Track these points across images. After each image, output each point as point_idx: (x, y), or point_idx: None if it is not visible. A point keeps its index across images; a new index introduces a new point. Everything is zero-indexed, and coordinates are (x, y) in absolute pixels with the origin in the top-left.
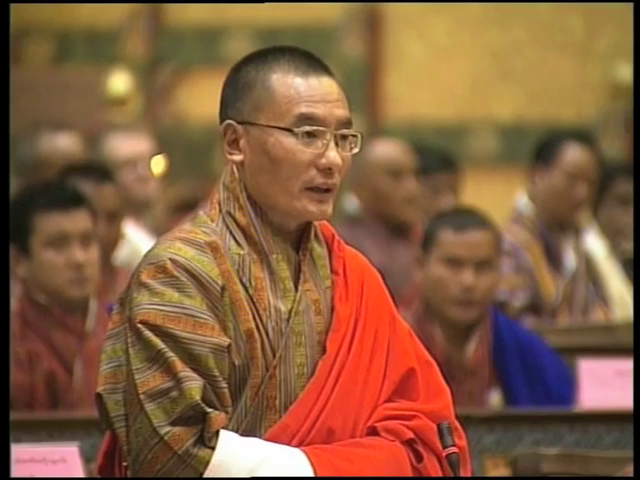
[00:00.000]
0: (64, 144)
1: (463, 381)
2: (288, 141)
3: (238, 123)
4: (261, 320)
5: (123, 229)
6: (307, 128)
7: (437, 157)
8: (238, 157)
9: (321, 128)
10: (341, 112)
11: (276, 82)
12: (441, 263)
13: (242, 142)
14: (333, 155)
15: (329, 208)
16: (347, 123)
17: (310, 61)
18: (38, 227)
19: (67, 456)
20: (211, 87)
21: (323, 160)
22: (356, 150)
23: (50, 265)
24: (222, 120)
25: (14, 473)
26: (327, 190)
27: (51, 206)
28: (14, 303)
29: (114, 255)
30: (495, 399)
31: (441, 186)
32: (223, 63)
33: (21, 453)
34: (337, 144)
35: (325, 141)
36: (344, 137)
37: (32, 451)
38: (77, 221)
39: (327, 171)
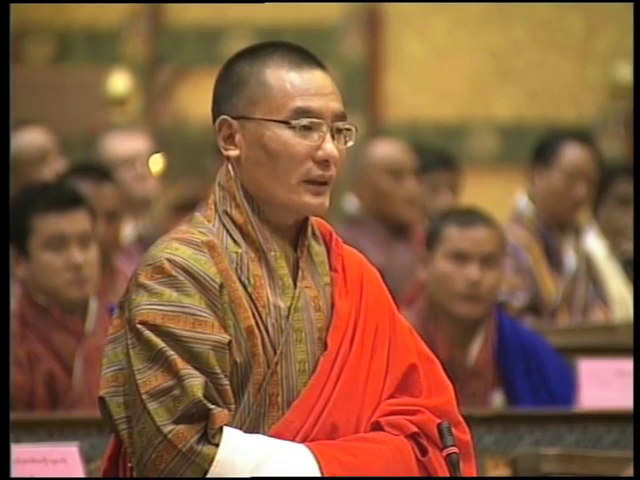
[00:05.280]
0: (32, 139)
1: (467, 382)
2: (285, 134)
3: (233, 118)
4: (261, 317)
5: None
6: (304, 121)
7: (436, 156)
8: (234, 152)
9: (318, 120)
10: (336, 105)
11: (271, 76)
12: (446, 259)
13: (237, 137)
14: (330, 147)
15: (326, 201)
16: (342, 116)
17: (303, 55)
18: (37, 228)
19: (67, 456)
20: (211, 87)
21: (320, 152)
22: (351, 143)
23: (49, 266)
24: (215, 116)
25: (14, 473)
26: (324, 183)
27: (49, 207)
28: (14, 304)
29: (114, 255)
30: (497, 401)
31: (440, 185)
32: (223, 63)
33: (21, 453)
34: (333, 137)
35: (321, 134)
36: (339, 130)
37: (32, 451)
38: (76, 222)
39: (324, 163)
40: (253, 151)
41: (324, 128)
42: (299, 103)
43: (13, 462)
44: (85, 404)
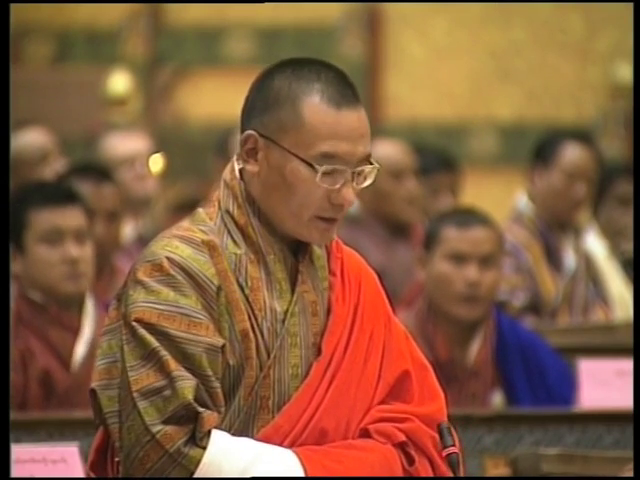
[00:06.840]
0: (33, 139)
1: (466, 382)
2: (307, 173)
3: (261, 136)
4: (256, 320)
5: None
6: (329, 168)
7: (436, 157)
8: (253, 167)
9: (342, 167)
10: (363, 149)
11: (307, 109)
12: (445, 260)
13: (260, 155)
14: (349, 194)
15: (333, 234)
16: (366, 158)
17: (344, 89)
18: (32, 223)
19: (67, 456)
20: (211, 87)
21: (339, 197)
22: (370, 181)
23: (44, 260)
24: (243, 124)
25: (14, 473)
26: (334, 219)
27: (45, 202)
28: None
29: (114, 255)
30: (497, 401)
31: (440, 186)
32: (223, 63)
33: (21, 453)
34: (353, 178)
35: (343, 180)
36: (360, 172)
37: (32, 451)
38: (71, 217)
39: (339, 207)
40: (272, 175)
41: (347, 175)
42: (327, 148)
43: (13, 462)
44: (84, 402)
